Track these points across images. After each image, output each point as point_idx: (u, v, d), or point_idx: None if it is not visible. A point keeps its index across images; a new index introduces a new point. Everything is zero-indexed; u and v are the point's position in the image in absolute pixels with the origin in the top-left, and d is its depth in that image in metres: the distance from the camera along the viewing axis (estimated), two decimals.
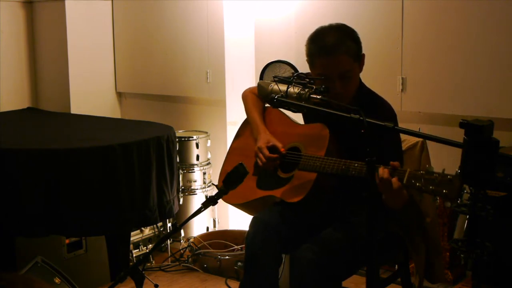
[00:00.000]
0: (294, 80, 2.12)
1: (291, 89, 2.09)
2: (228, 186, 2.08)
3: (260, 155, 2.39)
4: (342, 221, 2.31)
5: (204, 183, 4.12)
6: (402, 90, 3.51)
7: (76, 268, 3.28)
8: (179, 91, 4.65)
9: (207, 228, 4.14)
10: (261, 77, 2.31)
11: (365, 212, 1.79)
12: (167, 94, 4.77)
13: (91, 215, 3.00)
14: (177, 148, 3.74)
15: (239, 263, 3.51)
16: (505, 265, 2.93)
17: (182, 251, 3.90)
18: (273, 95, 2.10)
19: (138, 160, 3.13)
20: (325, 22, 3.73)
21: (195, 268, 3.71)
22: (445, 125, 3.43)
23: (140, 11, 4.82)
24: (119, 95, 5.15)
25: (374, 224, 1.75)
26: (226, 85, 4.20)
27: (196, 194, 4.09)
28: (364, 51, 2.29)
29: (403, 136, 2.40)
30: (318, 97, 2.03)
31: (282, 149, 2.37)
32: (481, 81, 3.26)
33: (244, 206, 2.55)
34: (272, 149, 2.39)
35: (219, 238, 3.88)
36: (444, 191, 1.81)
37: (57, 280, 2.90)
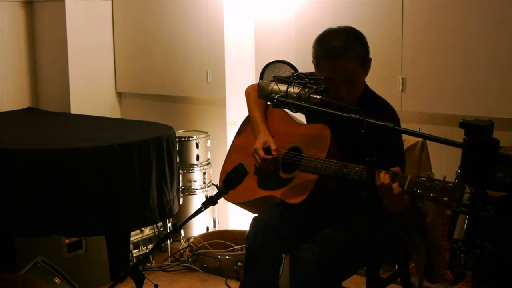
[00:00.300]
0: (294, 80, 2.11)
1: (291, 89, 2.09)
2: (228, 186, 2.08)
3: (256, 156, 2.40)
4: (342, 221, 2.31)
5: (204, 183, 4.12)
6: (402, 90, 3.51)
7: (76, 268, 3.28)
8: (179, 91, 4.65)
9: (207, 228, 4.14)
10: (261, 77, 2.31)
11: (365, 212, 1.79)
12: (167, 94, 4.77)
13: (91, 215, 3.00)
14: (177, 148, 3.74)
15: (239, 263, 3.51)
16: (505, 265, 2.93)
17: (182, 251, 3.90)
18: (273, 95, 2.10)
19: (138, 160, 3.13)
20: (325, 22, 3.74)
21: (195, 268, 3.71)
22: (445, 125, 3.43)
23: (140, 11, 4.82)
24: (119, 95, 5.15)
25: (374, 224, 1.75)
26: (226, 85, 4.20)
27: (196, 194, 4.09)
28: None
29: (403, 136, 2.40)
30: (318, 97, 2.03)
31: (274, 152, 2.37)
32: (481, 81, 3.26)
33: (245, 204, 2.55)
34: (268, 150, 2.39)
35: (219, 238, 3.88)
36: (445, 198, 1.81)
37: (57, 280, 2.90)
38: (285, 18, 3.99)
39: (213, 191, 4.10)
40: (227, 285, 3.49)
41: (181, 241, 3.99)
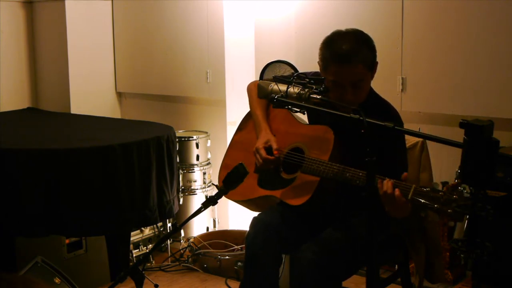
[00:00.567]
0: (294, 80, 2.11)
1: (291, 89, 2.08)
2: (228, 186, 2.08)
3: (257, 156, 2.39)
4: (342, 222, 2.31)
5: (204, 183, 4.12)
6: (402, 90, 3.51)
7: (76, 268, 3.28)
8: (179, 91, 4.65)
9: (207, 228, 4.14)
10: (261, 77, 2.30)
11: (365, 212, 1.79)
12: (167, 94, 4.77)
13: (91, 215, 2.99)
14: (177, 148, 3.74)
15: (239, 263, 3.51)
16: (505, 265, 2.93)
17: (182, 251, 3.90)
18: (273, 95, 2.10)
19: (138, 160, 3.12)
20: (325, 22, 3.76)
21: (195, 268, 3.71)
22: (445, 125, 3.43)
23: (140, 11, 4.82)
24: (119, 95, 5.15)
25: (374, 224, 1.75)
26: (226, 85, 4.20)
27: (196, 194, 4.09)
28: None
29: None
30: (318, 97, 2.02)
31: (275, 152, 2.36)
32: (481, 81, 3.26)
33: (244, 202, 2.54)
34: (270, 149, 2.39)
35: (219, 238, 3.88)
36: (449, 210, 1.80)
37: (57, 280, 2.90)
38: (285, 18, 3.99)
39: (213, 191, 4.10)
40: (227, 285, 3.49)
41: (181, 241, 3.99)
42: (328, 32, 2.27)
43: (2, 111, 4.52)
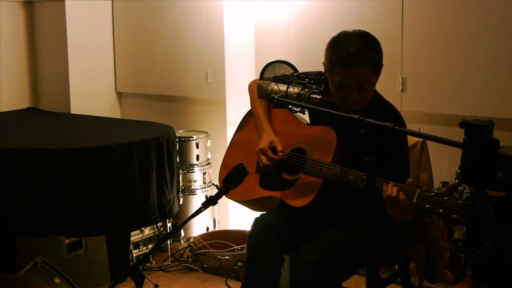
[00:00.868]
0: (294, 80, 2.11)
1: (291, 89, 2.08)
2: (228, 186, 2.08)
3: (262, 157, 2.37)
4: (343, 222, 2.31)
5: (204, 183, 4.12)
6: (402, 90, 3.51)
7: (76, 268, 3.28)
8: (179, 91, 4.65)
9: (207, 228, 4.14)
10: (261, 77, 2.30)
11: (366, 213, 1.79)
12: (167, 94, 4.77)
13: (91, 215, 2.99)
14: (177, 148, 3.74)
15: (239, 263, 3.51)
16: (505, 265, 2.93)
17: (182, 251, 3.90)
18: (273, 95, 2.10)
19: (138, 160, 3.12)
20: (325, 22, 3.77)
21: (195, 268, 3.71)
22: (445, 125, 3.43)
23: (140, 11, 4.82)
24: (119, 95, 5.15)
25: (375, 225, 1.75)
26: (226, 85, 4.20)
27: (196, 194, 4.09)
28: None
29: None
30: (318, 97, 2.02)
31: (280, 154, 2.35)
32: (481, 81, 3.26)
33: (245, 202, 2.53)
34: (274, 150, 2.38)
35: (219, 238, 3.88)
36: (454, 216, 1.80)
37: (57, 280, 2.90)
38: (285, 18, 3.99)
39: (213, 191, 4.10)
40: (227, 285, 3.49)
41: (181, 241, 3.99)
42: (328, 32, 2.27)
43: (2, 111, 4.52)
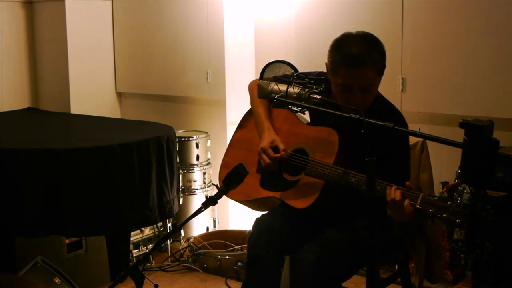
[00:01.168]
0: (294, 80, 2.11)
1: (291, 89, 2.08)
2: (228, 186, 2.08)
3: (264, 156, 2.36)
4: (344, 223, 2.30)
5: (204, 183, 4.12)
6: (402, 90, 3.51)
7: (76, 268, 3.28)
8: (179, 91, 4.65)
9: (207, 228, 4.14)
10: (261, 77, 2.30)
11: (368, 214, 1.79)
12: (167, 94, 4.77)
13: (91, 215, 2.99)
14: (177, 148, 3.74)
15: (239, 263, 3.51)
16: (505, 265, 2.93)
17: (182, 251, 3.90)
18: (273, 95, 2.09)
19: (138, 160, 3.12)
20: (325, 22, 3.76)
21: (195, 268, 3.71)
22: (445, 125, 3.43)
23: (140, 11, 4.82)
24: (119, 95, 5.15)
25: (376, 226, 1.75)
26: (226, 85, 4.20)
27: (196, 194, 4.09)
28: None
29: None
30: (318, 97, 2.02)
31: (282, 153, 2.35)
32: (481, 81, 3.26)
33: (246, 202, 2.53)
34: (276, 149, 2.37)
35: (219, 238, 3.88)
36: (457, 220, 1.81)
37: (57, 280, 2.90)
38: (285, 18, 3.99)
39: (213, 191, 4.10)
40: (227, 285, 3.49)
41: (181, 241, 3.99)
42: (328, 32, 2.27)
43: (2, 111, 4.52)
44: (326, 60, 2.22)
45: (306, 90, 2.04)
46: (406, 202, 1.93)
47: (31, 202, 2.91)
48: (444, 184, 3.33)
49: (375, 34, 2.21)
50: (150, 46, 4.79)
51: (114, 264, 3.38)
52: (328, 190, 2.22)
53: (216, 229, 4.18)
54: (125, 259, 3.42)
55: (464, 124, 1.53)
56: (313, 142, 2.33)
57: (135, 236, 3.80)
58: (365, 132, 1.74)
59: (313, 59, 3.67)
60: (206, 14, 4.35)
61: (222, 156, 2.65)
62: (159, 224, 3.86)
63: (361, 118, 1.77)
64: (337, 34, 2.24)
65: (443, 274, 2.60)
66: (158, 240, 3.90)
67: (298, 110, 2.15)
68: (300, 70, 2.22)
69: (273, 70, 2.31)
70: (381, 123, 1.78)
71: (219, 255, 3.60)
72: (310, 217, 2.33)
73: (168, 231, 3.90)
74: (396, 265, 2.61)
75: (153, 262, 3.82)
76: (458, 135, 1.61)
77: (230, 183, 2.07)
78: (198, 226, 4.10)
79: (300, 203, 2.25)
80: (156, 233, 3.94)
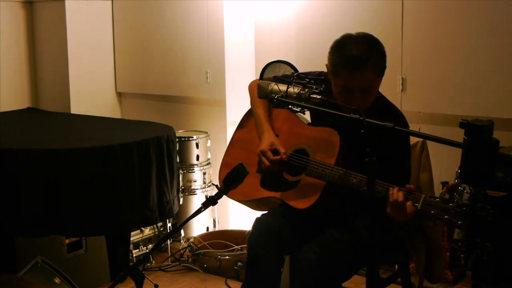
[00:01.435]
0: (294, 80, 2.11)
1: (291, 89, 2.08)
2: (228, 186, 2.08)
3: (264, 158, 2.36)
4: (345, 224, 2.30)
5: (204, 183, 4.12)
6: (402, 90, 3.51)
7: (76, 268, 3.28)
8: (179, 91, 4.65)
9: (207, 228, 4.14)
10: (261, 77, 2.30)
11: (368, 214, 1.79)
12: (167, 94, 4.77)
13: (91, 215, 2.99)
14: (177, 148, 3.74)
15: (239, 263, 3.51)
16: (505, 265, 2.93)
17: (182, 251, 3.90)
18: (273, 95, 2.09)
19: (138, 160, 3.12)
20: (325, 22, 3.76)
21: (195, 268, 3.71)
22: (445, 125, 3.43)
23: (140, 11, 4.82)
24: (119, 95, 5.15)
25: (376, 227, 1.75)
26: (226, 85, 4.20)
27: (196, 194, 4.09)
28: None
29: None
30: (318, 97, 2.02)
31: (283, 156, 2.35)
32: (481, 81, 3.26)
33: (246, 202, 2.53)
34: (275, 152, 2.37)
35: (219, 238, 3.88)
36: (459, 222, 1.81)
37: (57, 280, 2.90)
38: (285, 18, 3.99)
39: (213, 191, 4.10)
40: (227, 285, 3.49)
41: (181, 241, 3.99)
42: (328, 32, 2.27)
43: (2, 111, 4.52)
44: (326, 61, 2.23)
45: (306, 90, 2.04)
46: (409, 203, 1.94)
47: (31, 202, 2.91)
48: (444, 184, 3.33)
49: (375, 34, 2.21)
50: (150, 46, 4.79)
51: (114, 264, 3.38)
52: (329, 191, 2.22)
53: (216, 229, 4.18)
54: (125, 259, 3.42)
55: (464, 124, 1.53)
56: (314, 142, 2.33)
57: (135, 236, 3.80)
58: (365, 132, 1.74)
59: (313, 59, 3.67)
60: (206, 14, 4.35)
61: (222, 156, 2.65)
62: (159, 224, 3.87)
63: (361, 118, 1.77)
64: (337, 34, 2.24)
65: (443, 274, 2.60)
66: (158, 240, 3.90)
67: (298, 110, 2.15)
68: (300, 70, 2.22)
69: (273, 70, 2.31)
70: (381, 123, 1.78)
71: (219, 255, 3.60)
72: (311, 217, 2.33)
73: (168, 231, 3.90)
74: (396, 265, 2.61)
75: (153, 262, 3.82)
76: (458, 135, 1.61)
77: (230, 183, 2.07)
78: (198, 226, 4.10)
79: (301, 204, 2.25)
80: (156, 233, 3.94)
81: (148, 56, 4.82)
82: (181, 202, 3.96)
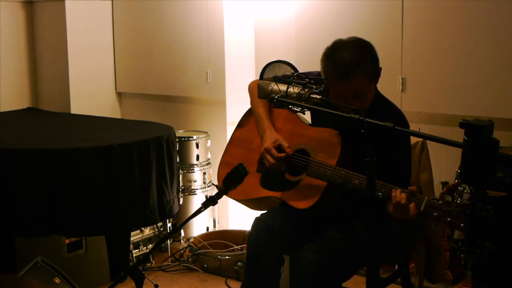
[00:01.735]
0: (294, 80, 2.11)
1: (291, 89, 2.08)
2: (228, 186, 2.08)
3: (268, 156, 2.35)
4: (345, 224, 2.30)
5: (204, 183, 4.12)
6: (402, 90, 3.51)
7: (76, 268, 3.28)
8: (179, 91, 4.65)
9: (207, 228, 4.14)
10: (261, 77, 2.29)
11: (368, 214, 1.79)
12: (167, 94, 4.77)
13: (91, 215, 2.99)
14: (177, 148, 3.74)
15: (239, 263, 3.51)
16: (505, 265, 2.93)
17: (182, 251, 3.90)
18: (273, 95, 2.09)
19: (138, 160, 3.12)
20: (325, 22, 3.77)
21: (195, 268, 3.71)
22: (445, 125, 3.43)
23: (140, 11, 4.82)
24: (119, 95, 5.15)
25: (377, 227, 1.75)
26: (226, 85, 4.20)
27: (196, 194, 4.09)
28: None
29: None
30: (318, 97, 2.02)
31: (288, 150, 2.34)
32: (481, 81, 3.26)
33: (245, 201, 2.53)
34: (279, 148, 2.36)
35: (219, 238, 3.88)
36: (461, 224, 1.81)
37: (57, 280, 2.90)
38: (285, 18, 3.99)
39: (213, 191, 4.10)
40: (227, 285, 3.49)
41: (181, 241, 3.99)
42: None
43: (2, 111, 4.52)
44: None
45: (306, 90, 2.04)
46: (412, 205, 1.95)
47: (31, 202, 2.91)
48: (444, 184, 3.33)
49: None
50: (150, 46, 4.79)
51: (114, 264, 3.38)
52: (330, 191, 2.22)
53: (216, 229, 4.18)
54: (125, 259, 3.42)
55: (464, 124, 1.53)
56: (315, 143, 2.33)
57: (135, 236, 3.80)
58: (365, 132, 1.74)
59: (313, 59, 3.62)
60: (206, 14, 4.35)
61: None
62: (159, 224, 3.87)
63: (361, 118, 1.77)
64: (337, 34, 2.24)
65: (443, 274, 2.60)
66: (158, 240, 3.91)
67: (298, 110, 2.15)
68: (300, 70, 2.21)
69: (273, 70, 2.30)
70: (381, 123, 1.78)
71: (219, 255, 3.60)
72: (311, 217, 2.33)
73: (168, 231, 3.90)
74: (396, 265, 2.61)
75: (153, 262, 3.82)
76: (458, 135, 1.61)
77: (230, 183, 2.07)
78: (198, 226, 4.10)
79: (301, 204, 2.25)
80: (156, 233, 3.94)
81: (148, 56, 4.82)
82: (181, 202, 3.96)
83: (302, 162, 2.30)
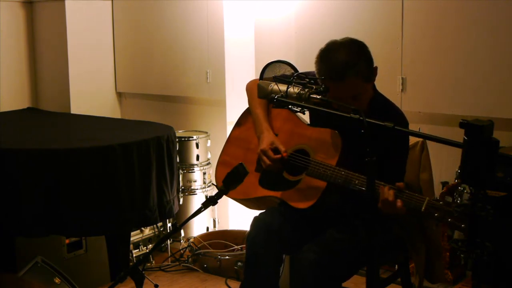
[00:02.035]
0: (294, 80, 2.11)
1: (291, 89, 2.08)
2: (228, 186, 2.08)
3: (264, 158, 2.35)
4: (345, 224, 2.30)
5: (204, 183, 4.12)
6: (402, 90, 3.51)
7: (76, 268, 3.28)
8: (179, 91, 4.65)
9: (207, 228, 4.14)
10: (261, 77, 2.29)
11: (367, 214, 1.79)
12: (167, 94, 4.77)
13: (91, 215, 2.99)
14: (177, 148, 3.74)
15: (239, 263, 3.51)
16: (505, 265, 2.93)
17: (182, 251, 3.90)
18: (273, 95, 2.09)
19: (138, 160, 3.12)
20: (325, 22, 3.77)
21: (195, 268, 3.71)
22: (445, 125, 3.43)
23: (140, 11, 4.82)
24: (119, 95, 5.15)
25: (376, 227, 1.75)
26: (226, 85, 4.20)
27: (196, 194, 4.09)
28: None
29: None
30: (318, 97, 2.02)
31: (284, 154, 2.35)
32: (481, 81, 3.26)
33: (244, 201, 2.53)
34: (276, 151, 2.37)
35: (219, 238, 3.88)
36: (462, 225, 1.81)
37: (57, 280, 2.90)
38: (285, 18, 3.99)
39: (213, 191, 4.10)
40: (227, 285, 3.49)
41: (181, 241, 3.99)
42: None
43: (2, 111, 4.52)
44: None
45: (306, 90, 2.04)
46: (399, 202, 1.96)
47: (31, 202, 2.91)
48: (444, 184, 3.33)
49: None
50: (150, 46, 4.79)
51: (114, 264, 3.38)
52: (330, 191, 2.22)
53: (216, 229, 4.18)
54: (125, 259, 3.42)
55: (464, 124, 1.53)
56: (315, 143, 2.33)
57: (135, 236, 3.80)
58: (365, 132, 1.74)
59: (313, 59, 3.62)
60: (206, 14, 4.35)
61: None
62: (159, 224, 3.87)
63: (361, 118, 1.77)
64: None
65: (443, 274, 2.60)
66: (158, 240, 3.91)
67: (298, 110, 2.15)
68: (300, 70, 2.21)
69: (273, 70, 2.30)
70: (381, 123, 1.78)
71: (219, 255, 3.60)
72: (311, 217, 2.33)
73: (168, 231, 3.90)
74: (396, 265, 2.61)
75: (153, 262, 3.82)
76: (458, 135, 1.61)
77: (230, 183, 2.07)
78: (198, 226, 4.10)
79: (301, 204, 2.25)
80: (156, 233, 3.94)
81: (148, 56, 4.82)
82: (181, 202, 3.96)
83: (301, 162, 2.30)
